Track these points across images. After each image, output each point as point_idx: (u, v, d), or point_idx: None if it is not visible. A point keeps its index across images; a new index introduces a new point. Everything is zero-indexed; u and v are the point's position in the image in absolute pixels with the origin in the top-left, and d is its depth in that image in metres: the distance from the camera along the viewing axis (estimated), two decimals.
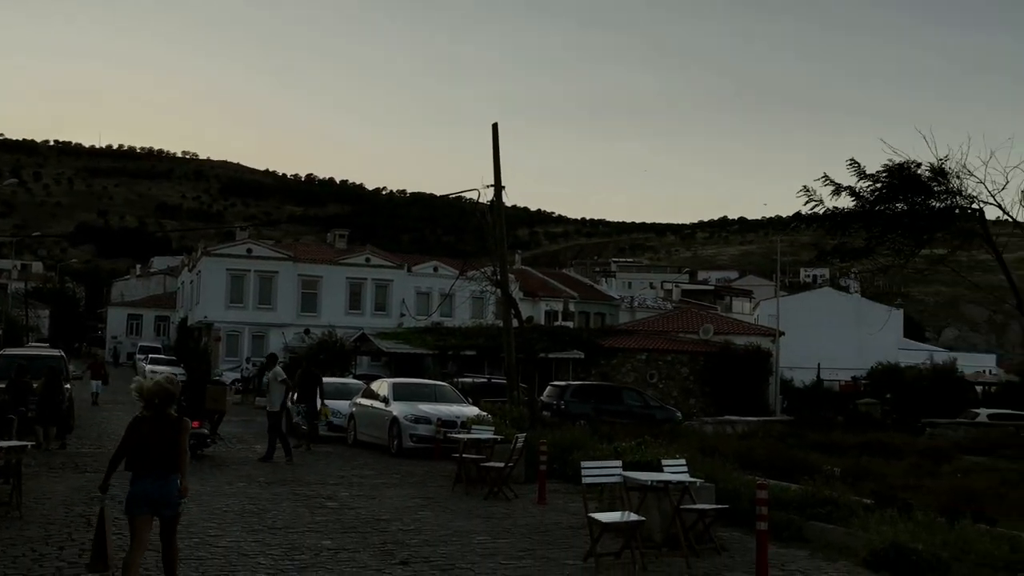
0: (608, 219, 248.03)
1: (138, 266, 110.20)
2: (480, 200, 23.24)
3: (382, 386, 21.55)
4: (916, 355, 52.67)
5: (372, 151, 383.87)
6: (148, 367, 46.34)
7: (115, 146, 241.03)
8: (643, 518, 9.40)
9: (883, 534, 9.27)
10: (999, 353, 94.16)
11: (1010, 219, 17.19)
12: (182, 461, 7.00)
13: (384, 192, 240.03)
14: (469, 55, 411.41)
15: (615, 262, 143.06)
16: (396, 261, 59.16)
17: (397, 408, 19.65)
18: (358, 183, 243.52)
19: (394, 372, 39.16)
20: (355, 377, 33.41)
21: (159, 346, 63.62)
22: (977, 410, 36.87)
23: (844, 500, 10.89)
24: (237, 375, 42.71)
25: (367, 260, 57.42)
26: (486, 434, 15.99)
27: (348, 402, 22.42)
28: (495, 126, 23.33)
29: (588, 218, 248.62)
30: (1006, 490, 13.22)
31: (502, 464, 13.90)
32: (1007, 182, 16.91)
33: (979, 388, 46.37)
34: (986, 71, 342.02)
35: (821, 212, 18.61)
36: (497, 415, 19.50)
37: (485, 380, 35.23)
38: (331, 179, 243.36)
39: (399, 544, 9.87)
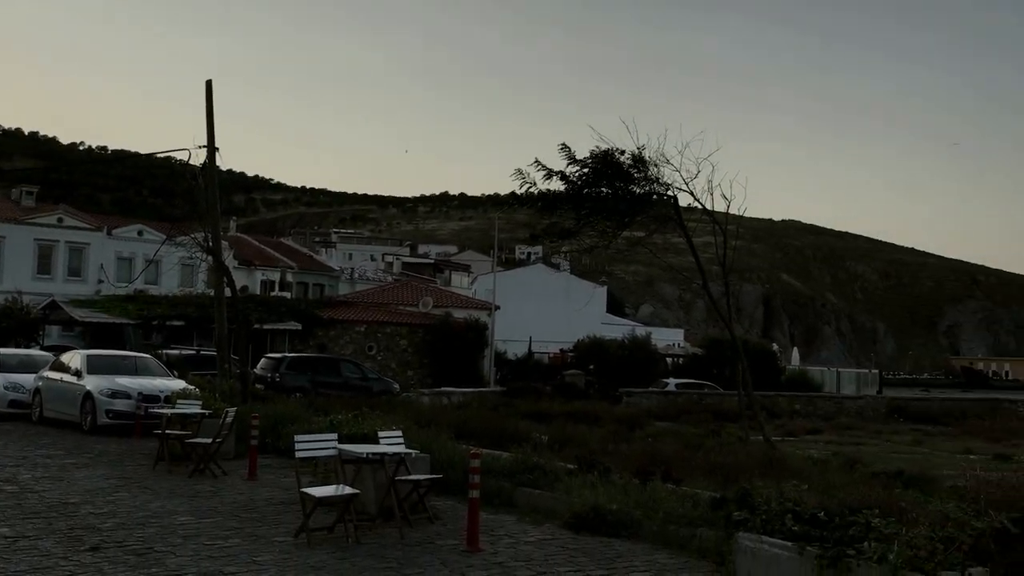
0: (329, 188, 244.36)
1: None
2: (191, 161, 22.12)
3: (74, 358, 20.11)
4: (618, 329, 56.73)
5: (68, 102, 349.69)
6: None
7: None
8: (357, 491, 9.33)
9: (584, 497, 9.86)
10: (686, 328, 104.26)
11: (700, 206, 18.93)
12: None
13: (82, 147, 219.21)
14: (183, 4, 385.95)
15: (336, 232, 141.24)
16: (94, 223, 54.71)
17: (91, 382, 18.39)
18: (51, 136, 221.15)
19: (90, 343, 36.30)
20: (43, 348, 30.77)
21: None
22: (667, 380, 40.44)
23: (550, 466, 11.48)
24: None
25: (59, 220, 52.60)
26: (193, 409, 15.25)
27: (33, 376, 20.60)
28: (209, 83, 22.21)
29: (308, 187, 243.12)
30: (689, 452, 14.55)
31: (210, 440, 13.26)
32: (698, 172, 18.58)
33: (669, 360, 50.91)
34: (688, 66, 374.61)
35: (535, 193, 19.50)
36: (206, 389, 18.72)
37: (194, 352, 33.45)
38: (18, 129, 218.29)
39: (90, 529, 9.08)
